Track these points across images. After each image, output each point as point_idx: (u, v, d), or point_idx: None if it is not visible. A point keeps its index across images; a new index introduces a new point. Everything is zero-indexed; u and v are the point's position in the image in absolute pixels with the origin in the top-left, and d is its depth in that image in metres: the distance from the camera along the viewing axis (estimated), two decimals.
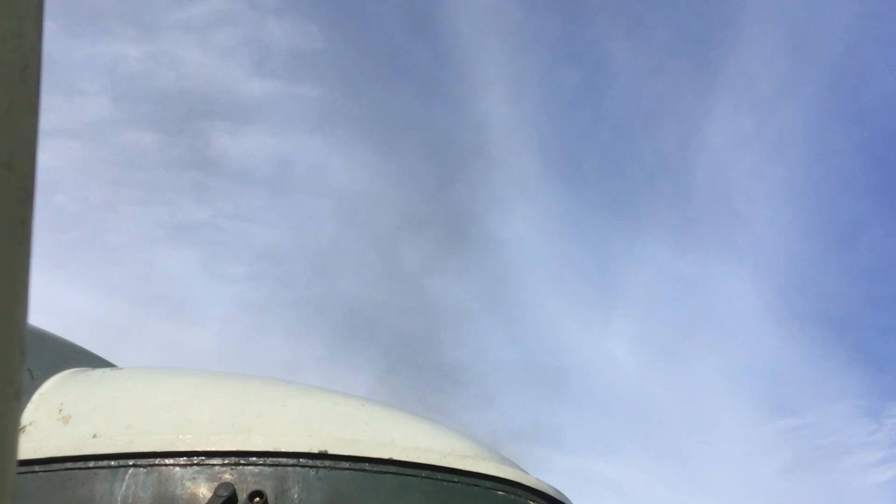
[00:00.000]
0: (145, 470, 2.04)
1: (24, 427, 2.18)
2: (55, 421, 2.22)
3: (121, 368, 2.69)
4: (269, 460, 2.05)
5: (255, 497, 1.93)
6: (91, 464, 2.06)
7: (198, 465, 2.05)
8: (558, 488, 2.35)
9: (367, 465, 2.07)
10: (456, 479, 2.09)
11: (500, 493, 2.10)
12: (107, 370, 2.59)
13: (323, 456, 2.06)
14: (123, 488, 2.02)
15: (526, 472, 2.33)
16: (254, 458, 2.05)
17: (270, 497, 1.98)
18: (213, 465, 2.04)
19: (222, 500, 1.90)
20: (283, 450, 2.06)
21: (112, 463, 2.06)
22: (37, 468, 2.07)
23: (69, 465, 2.07)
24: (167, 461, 2.06)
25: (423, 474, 2.08)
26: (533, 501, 2.12)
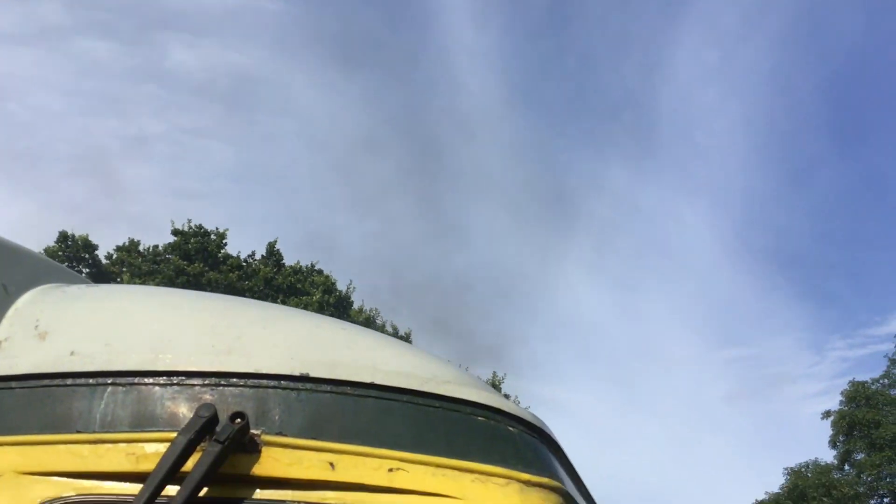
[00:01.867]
0: (124, 389, 2.02)
1: None
2: (31, 337, 2.19)
3: (97, 285, 2.65)
4: (251, 382, 2.04)
5: (237, 418, 1.92)
6: (69, 381, 2.04)
7: (178, 385, 2.03)
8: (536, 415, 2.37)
9: (348, 389, 2.06)
10: (437, 405, 2.09)
11: (480, 418, 2.11)
12: (83, 286, 2.55)
13: (304, 378, 2.05)
14: (102, 406, 2.00)
15: (504, 398, 2.34)
16: (235, 380, 2.04)
17: (251, 418, 1.97)
18: (194, 385, 2.03)
19: (203, 420, 1.89)
20: (264, 371, 2.05)
21: (90, 381, 2.03)
22: (13, 385, 2.05)
23: (46, 382, 2.05)
24: (147, 380, 2.04)
25: (405, 399, 2.08)
26: (513, 427, 2.13)
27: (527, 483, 2.02)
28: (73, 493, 1.92)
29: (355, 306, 36.72)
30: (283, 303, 31.31)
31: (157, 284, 29.61)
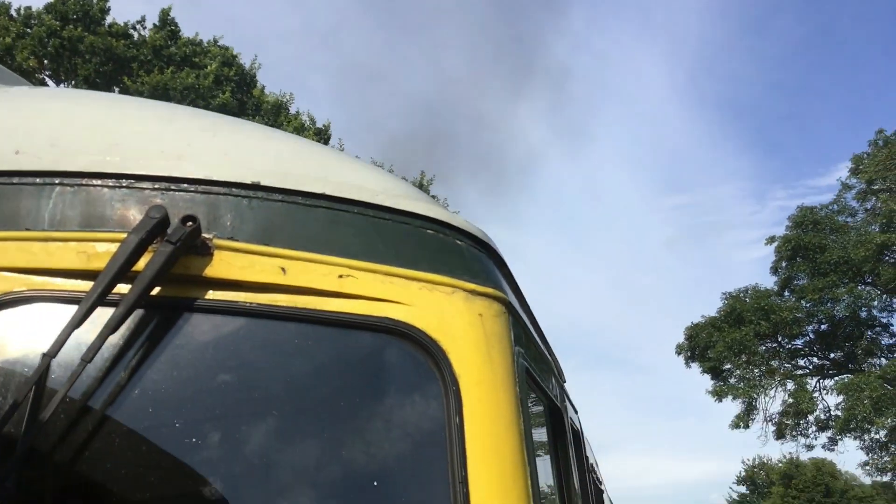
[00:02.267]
0: (73, 189, 2.01)
1: None
2: None
3: (41, 87, 2.56)
4: (201, 188, 2.04)
5: (188, 221, 1.93)
6: (15, 179, 2.01)
7: (127, 188, 2.02)
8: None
9: (299, 199, 2.08)
10: (387, 217, 2.13)
11: (429, 231, 2.15)
12: (27, 87, 2.47)
13: (256, 187, 2.06)
14: (51, 205, 1.99)
15: (453, 214, 2.39)
16: (185, 185, 2.03)
17: (203, 223, 1.98)
18: (144, 188, 2.02)
19: (154, 221, 1.89)
20: (215, 178, 2.05)
21: (37, 180, 2.01)
22: None
23: None
24: (96, 182, 2.02)
25: (355, 210, 2.11)
26: (460, 241, 2.19)
27: (472, 292, 2.10)
28: (24, 288, 1.94)
29: (267, 92, 32.15)
30: (174, 75, 28.07)
31: (26, 50, 26.67)
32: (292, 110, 32.40)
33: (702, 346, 43.76)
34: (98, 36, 27.89)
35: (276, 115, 30.50)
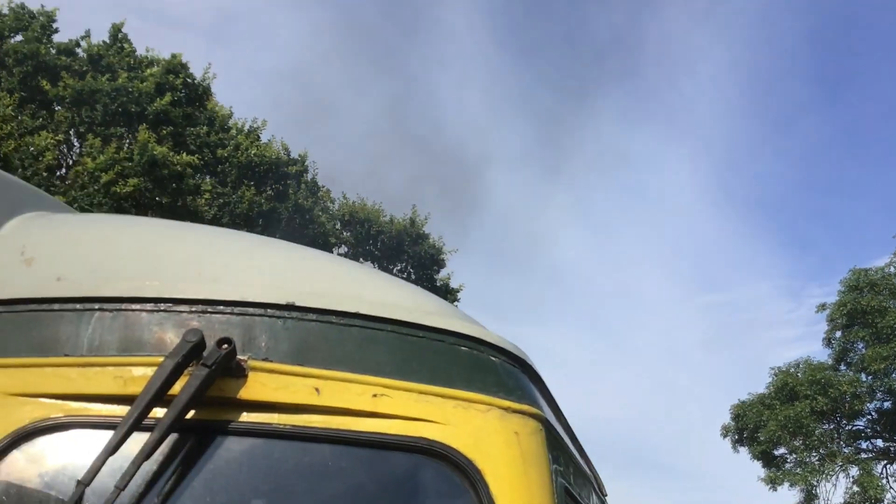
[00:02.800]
0: (111, 314, 2.04)
1: None
2: (17, 263, 2.20)
3: (83, 214, 2.65)
4: (237, 309, 2.06)
5: (223, 343, 1.95)
6: (56, 306, 2.05)
7: (165, 311, 2.05)
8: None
9: (333, 318, 2.09)
10: (421, 334, 2.13)
11: (463, 348, 2.15)
12: (69, 215, 2.55)
13: (290, 307, 2.08)
14: (89, 331, 2.02)
15: (487, 329, 2.38)
16: (221, 307, 2.06)
17: (238, 345, 2.00)
18: (181, 311, 2.05)
19: (191, 345, 1.91)
20: (250, 300, 2.07)
21: (77, 306, 2.05)
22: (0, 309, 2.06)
23: (33, 307, 2.06)
24: (134, 307, 2.06)
25: (389, 328, 2.11)
26: (495, 357, 2.18)
27: (507, 409, 2.07)
28: (62, 415, 1.95)
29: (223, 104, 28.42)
30: (108, 82, 24.48)
31: None
32: (264, 138, 29.59)
33: (751, 426, 39.23)
34: (24, 42, 24.83)
35: (224, 128, 28.08)
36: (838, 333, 38.87)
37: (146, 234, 2.36)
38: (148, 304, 2.06)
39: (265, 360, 2.02)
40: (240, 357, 1.99)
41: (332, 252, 25.01)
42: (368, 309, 2.12)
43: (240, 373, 1.99)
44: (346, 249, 33.06)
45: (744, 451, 40.22)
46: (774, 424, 37.47)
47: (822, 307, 39.39)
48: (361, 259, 32.90)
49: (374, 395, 2.01)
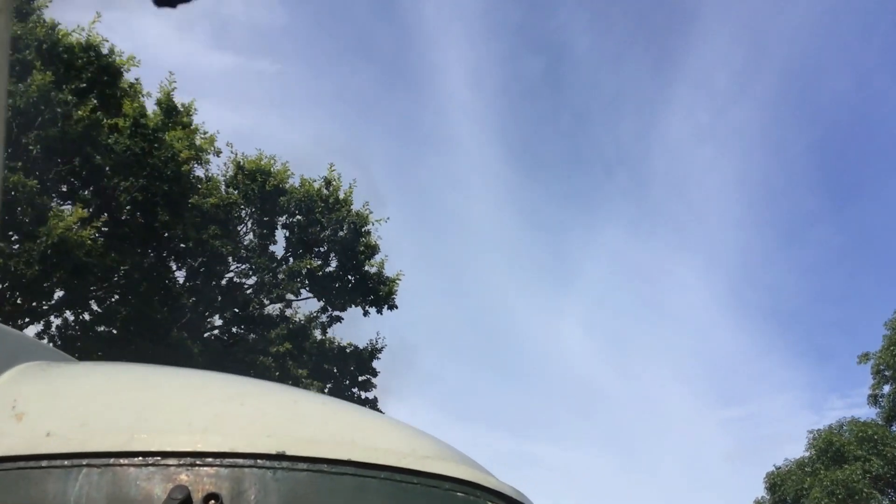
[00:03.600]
0: (99, 470, 2.01)
1: None
2: (8, 419, 2.18)
3: (77, 363, 2.64)
4: (226, 461, 2.02)
5: (211, 499, 1.91)
6: (44, 463, 2.02)
7: (153, 465, 2.02)
8: (518, 488, 2.35)
9: (325, 467, 2.05)
10: (415, 481, 2.08)
11: (459, 494, 2.09)
12: (62, 365, 2.54)
13: (280, 457, 2.04)
14: (77, 488, 1.98)
15: (487, 473, 2.32)
16: (210, 459, 2.02)
17: (226, 499, 1.95)
18: (169, 465, 2.01)
19: (176, 502, 1.87)
20: (240, 450, 2.04)
21: (65, 462, 2.02)
22: None
23: (21, 464, 2.03)
24: (122, 461, 2.02)
25: (382, 475, 2.06)
26: (491, 502, 2.11)
27: None
28: None
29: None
30: None
31: None
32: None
33: (790, 496, 34.19)
34: None
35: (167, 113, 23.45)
36: (886, 388, 34.30)
37: (137, 383, 2.34)
38: (136, 458, 2.02)
39: None
40: None
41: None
42: (361, 455, 2.08)
43: None
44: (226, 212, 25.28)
45: None
46: (819, 491, 32.38)
47: (865, 357, 34.73)
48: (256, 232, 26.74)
49: None
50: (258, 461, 2.03)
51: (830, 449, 33.64)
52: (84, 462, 2.02)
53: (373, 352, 28.48)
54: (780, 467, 35.84)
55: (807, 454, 34.85)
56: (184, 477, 1.99)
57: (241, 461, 2.02)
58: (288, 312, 27.64)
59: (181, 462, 2.02)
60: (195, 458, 2.02)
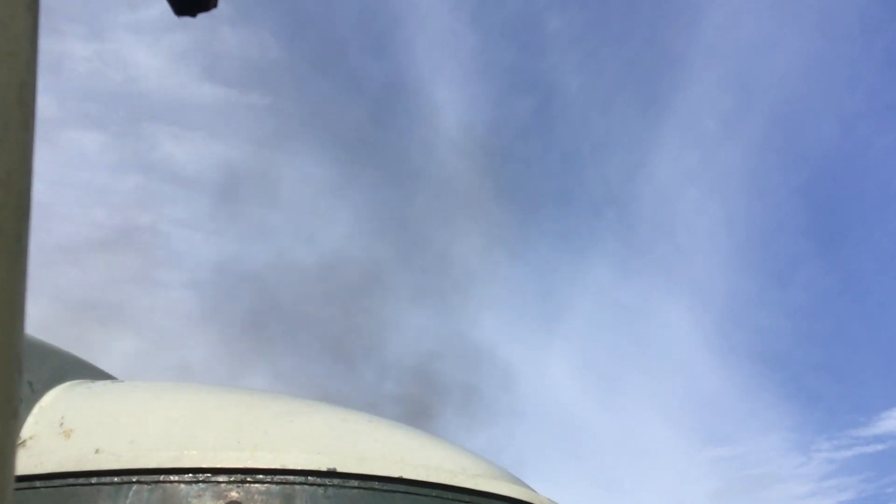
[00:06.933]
0: (149, 487, 1.99)
1: (24, 441, 2.13)
2: (56, 435, 2.16)
3: (122, 381, 2.63)
4: (277, 478, 1.99)
5: None
6: (94, 480, 2.00)
7: (203, 482, 1.99)
8: None
9: (376, 484, 2.01)
10: (466, 499, 2.04)
11: None
12: (108, 383, 2.53)
13: (332, 474, 2.01)
14: None
15: (535, 492, 2.28)
16: (261, 476, 2.00)
17: None
18: (220, 482, 1.99)
19: None
20: (290, 467, 2.01)
21: (115, 479, 2.00)
22: (38, 483, 2.01)
23: (71, 480, 2.02)
24: (172, 478, 2.00)
25: (434, 493, 2.02)
26: None
27: None
28: None
29: None
30: None
31: None
32: None
33: None
34: None
35: None
36: None
37: (185, 401, 2.32)
38: (186, 475, 2.00)
39: None
40: None
41: None
42: (412, 473, 2.04)
43: None
44: None
45: None
46: None
47: None
48: None
49: None
50: (309, 478, 2.00)
51: None
52: (134, 479, 2.00)
53: None
54: None
55: None
56: (234, 494, 1.96)
57: (292, 478, 2.00)
58: None
59: (232, 479, 1.99)
60: (246, 474, 2.00)
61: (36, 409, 2.26)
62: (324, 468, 2.01)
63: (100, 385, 2.47)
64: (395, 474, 2.03)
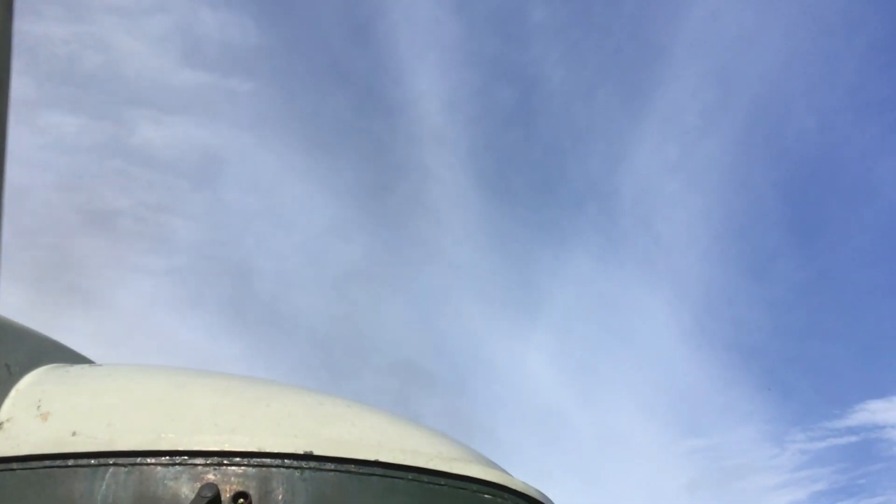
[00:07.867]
0: (126, 469, 2.00)
1: (1, 424, 2.13)
2: (33, 418, 2.17)
3: (100, 365, 2.64)
4: (254, 461, 2.01)
5: (240, 498, 1.90)
6: (70, 462, 2.01)
7: (180, 464, 2.01)
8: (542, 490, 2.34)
9: (352, 467, 2.04)
10: (443, 482, 2.07)
11: (486, 496, 2.08)
12: (86, 366, 2.54)
13: (308, 457, 2.03)
14: (104, 487, 1.98)
15: (511, 475, 2.31)
16: (238, 459, 2.02)
17: (255, 498, 1.94)
18: (196, 465, 2.01)
19: (206, 500, 1.86)
20: (267, 450, 2.03)
21: (92, 461, 2.01)
22: (14, 466, 2.02)
23: (48, 463, 2.02)
24: (149, 460, 2.01)
25: (410, 476, 2.05)
26: None
27: None
28: None
29: None
30: None
31: None
32: None
33: None
34: None
35: None
36: None
37: (163, 384, 2.34)
38: (163, 458, 2.02)
39: None
40: None
41: None
42: (388, 457, 2.07)
43: None
44: None
45: None
46: None
47: None
48: None
49: None
50: (286, 461, 2.02)
51: None
52: (111, 461, 2.01)
53: None
54: None
55: None
56: (212, 476, 1.98)
57: (268, 461, 2.02)
58: None
59: (209, 461, 2.01)
60: (223, 457, 2.02)
61: (13, 392, 2.26)
62: (300, 451, 2.03)
63: (77, 368, 2.48)
64: (372, 457, 2.05)
